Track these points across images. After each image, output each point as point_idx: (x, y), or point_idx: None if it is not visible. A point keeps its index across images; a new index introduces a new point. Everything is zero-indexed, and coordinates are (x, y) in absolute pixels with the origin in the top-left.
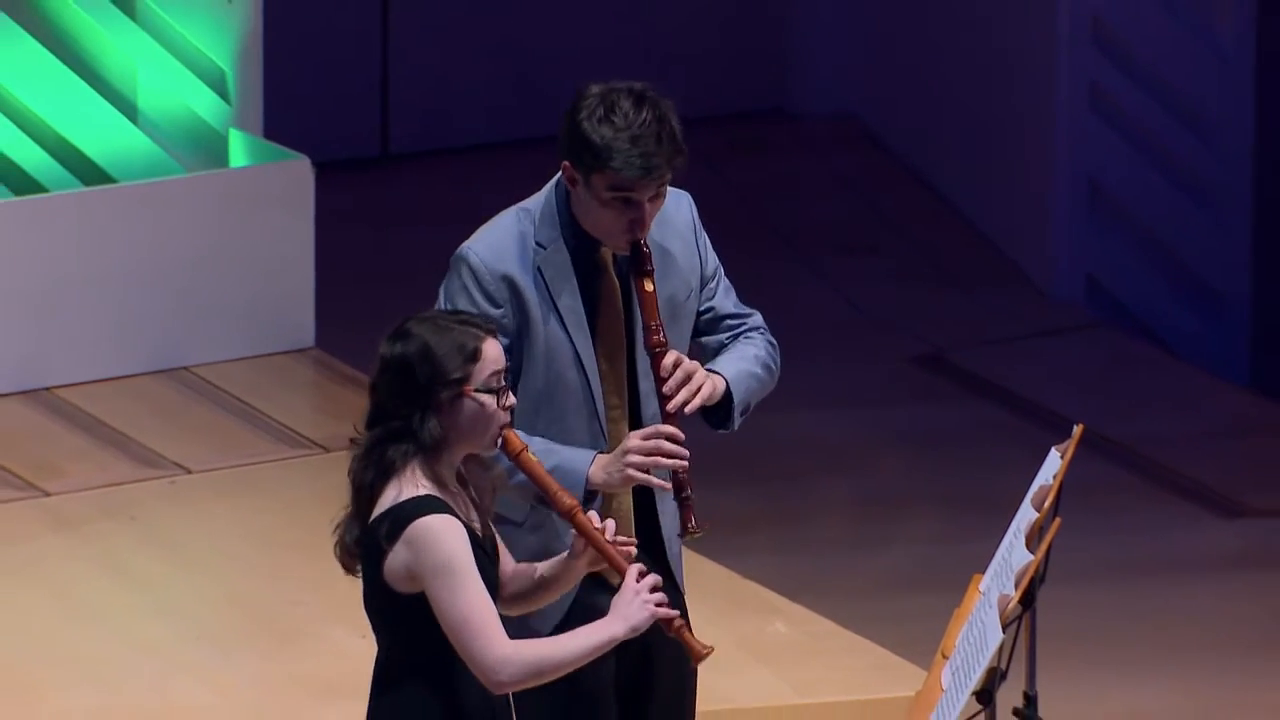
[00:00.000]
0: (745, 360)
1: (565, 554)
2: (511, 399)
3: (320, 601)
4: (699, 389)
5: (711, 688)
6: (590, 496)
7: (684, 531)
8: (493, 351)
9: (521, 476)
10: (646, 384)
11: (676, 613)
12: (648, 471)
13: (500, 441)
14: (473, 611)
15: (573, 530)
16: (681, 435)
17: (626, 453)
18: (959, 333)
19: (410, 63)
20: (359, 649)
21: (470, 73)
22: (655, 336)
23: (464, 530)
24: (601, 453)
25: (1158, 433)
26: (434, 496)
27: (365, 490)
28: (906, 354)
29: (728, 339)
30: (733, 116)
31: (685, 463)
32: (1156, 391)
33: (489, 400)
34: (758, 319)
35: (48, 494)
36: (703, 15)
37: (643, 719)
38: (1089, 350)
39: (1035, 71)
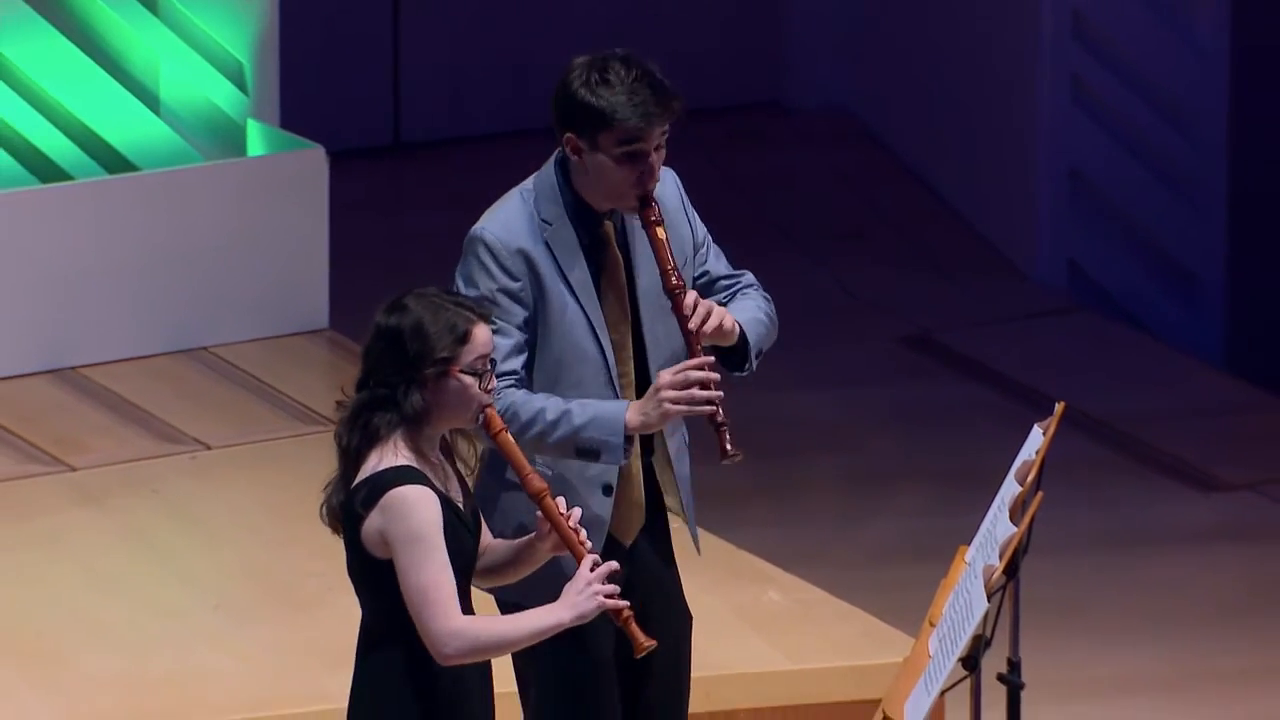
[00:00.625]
0: (750, 310)
1: (532, 535)
2: (495, 383)
3: (334, 572)
4: (720, 321)
5: (708, 654)
6: (628, 444)
7: (722, 455)
8: (482, 336)
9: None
10: (654, 346)
11: (625, 604)
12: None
13: (481, 420)
14: (432, 584)
15: (539, 512)
16: (712, 360)
17: (659, 390)
18: (947, 316)
19: (421, 55)
20: None
21: (479, 65)
22: (673, 279)
23: (438, 502)
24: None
25: (1136, 411)
26: (412, 467)
27: (350, 454)
28: (896, 336)
29: (724, 298)
30: (731, 110)
31: (719, 394)
32: (1135, 372)
33: (472, 382)
34: (750, 277)
35: (73, 469)
36: (703, 12)
37: (641, 687)
38: (1071, 332)
39: (1019, 66)
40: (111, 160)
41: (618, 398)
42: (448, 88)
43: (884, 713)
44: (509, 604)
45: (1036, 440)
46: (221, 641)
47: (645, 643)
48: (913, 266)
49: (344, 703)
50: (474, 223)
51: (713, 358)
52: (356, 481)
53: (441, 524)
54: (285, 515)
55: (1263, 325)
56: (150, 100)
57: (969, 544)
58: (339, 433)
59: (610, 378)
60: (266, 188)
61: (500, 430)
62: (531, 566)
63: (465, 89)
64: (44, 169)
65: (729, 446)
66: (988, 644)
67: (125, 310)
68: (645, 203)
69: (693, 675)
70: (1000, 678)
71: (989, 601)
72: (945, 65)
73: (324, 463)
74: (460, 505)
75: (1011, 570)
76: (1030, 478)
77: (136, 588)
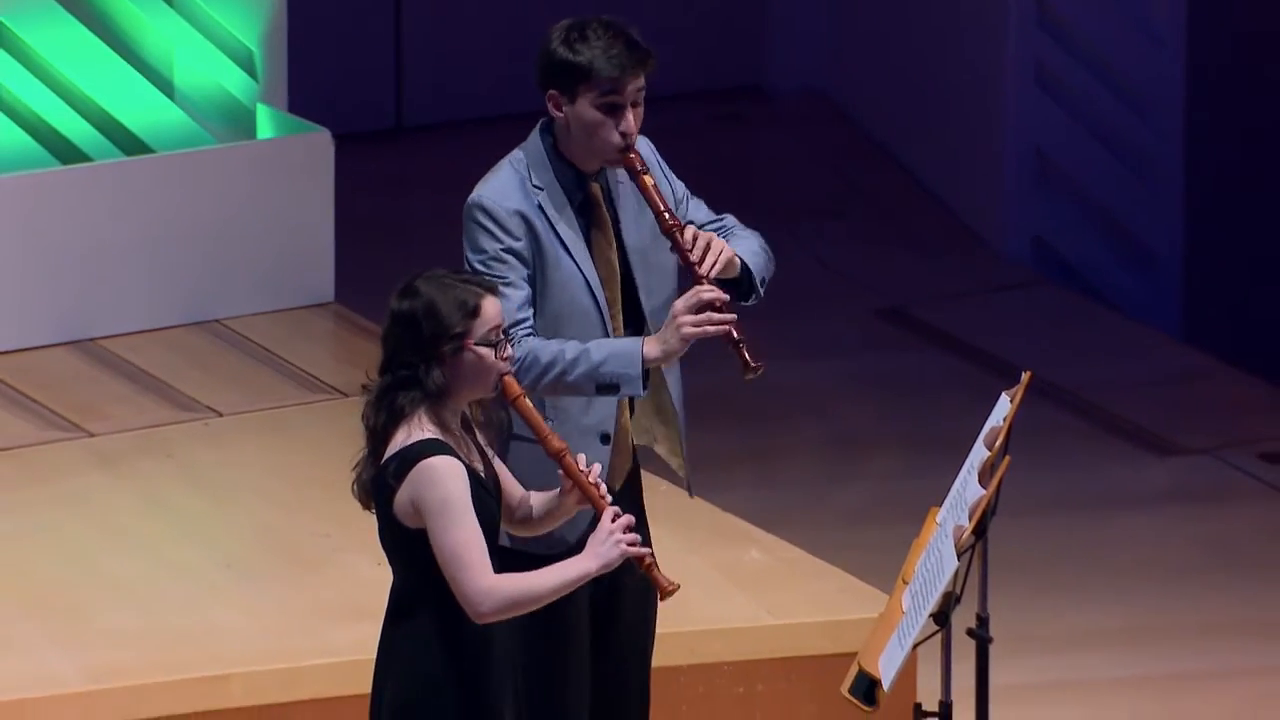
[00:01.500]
0: (747, 242)
1: (558, 490)
2: (510, 350)
3: (341, 533)
4: (720, 250)
5: (694, 610)
6: (646, 375)
7: (744, 369)
8: (492, 308)
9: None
10: (646, 296)
11: (648, 550)
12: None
13: (499, 388)
14: (464, 547)
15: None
16: (720, 291)
17: (676, 317)
18: (918, 289)
19: (421, 42)
20: (376, 576)
21: (476, 51)
22: (668, 220)
23: (464, 471)
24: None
25: (1098, 379)
26: (438, 440)
27: (378, 433)
28: (871, 308)
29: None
30: (713, 94)
31: (733, 315)
32: (1096, 342)
33: (487, 353)
34: (732, 219)
35: (92, 434)
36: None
37: (611, 640)
38: (1035, 305)
39: (987, 52)
40: (128, 143)
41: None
42: (447, 74)
43: (860, 665)
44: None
45: (1004, 407)
46: (232, 598)
47: (669, 586)
48: (887, 243)
49: (348, 656)
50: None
51: (717, 287)
52: (386, 457)
53: (469, 490)
54: (293, 479)
55: (1217, 298)
56: (165, 86)
57: (940, 505)
58: (366, 414)
59: (606, 331)
60: (275, 169)
61: (518, 395)
62: (563, 518)
63: (463, 75)
64: (64, 151)
65: (750, 360)
66: (958, 600)
67: (141, 285)
68: (627, 151)
69: (675, 630)
70: (969, 632)
71: (959, 560)
72: (919, 51)
73: (330, 429)
74: (482, 473)
75: (980, 530)
76: (998, 443)
77: (152, 547)
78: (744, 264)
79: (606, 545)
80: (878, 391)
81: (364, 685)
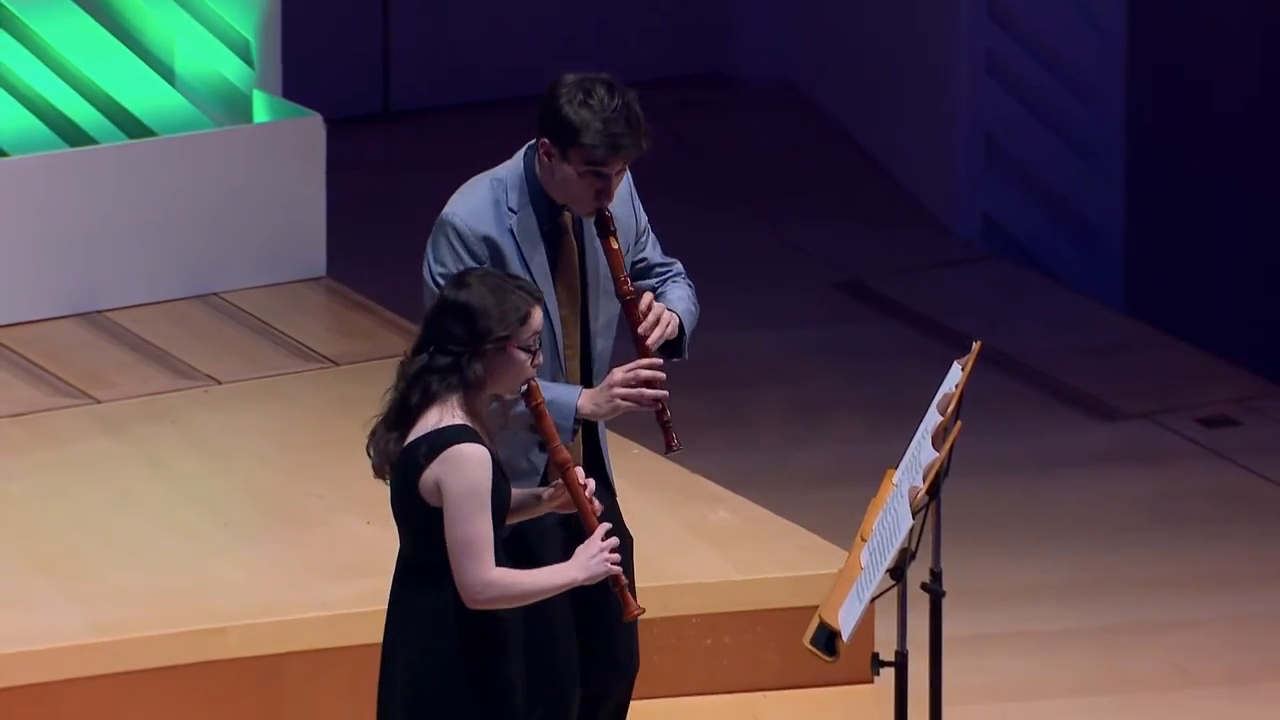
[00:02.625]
0: (684, 300)
1: (541, 489)
2: (540, 359)
3: (332, 494)
4: (667, 324)
5: (664, 566)
6: (577, 425)
7: (668, 448)
8: (537, 318)
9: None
10: (596, 326)
11: (620, 570)
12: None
13: (525, 390)
14: (476, 537)
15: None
16: (660, 363)
17: (612, 386)
18: (875, 264)
19: (408, 32)
20: (365, 534)
21: (459, 41)
22: (625, 286)
23: (491, 461)
24: (568, 383)
25: (1044, 348)
26: (470, 427)
27: (409, 410)
28: (831, 281)
29: (657, 283)
30: (682, 81)
31: (665, 394)
32: (1043, 313)
33: (525, 357)
34: (679, 267)
35: (98, 401)
36: None
37: (594, 597)
38: (985, 278)
39: (940, 42)
40: (132, 126)
41: (563, 366)
42: (432, 62)
43: (821, 618)
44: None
45: (956, 375)
46: (231, 556)
47: (635, 610)
48: (846, 220)
49: (339, 610)
50: (456, 183)
51: (660, 360)
52: (417, 435)
53: (491, 483)
54: (288, 443)
55: (1156, 271)
56: (166, 73)
57: (896, 467)
58: (400, 388)
59: (556, 348)
60: (270, 151)
61: (540, 402)
62: (529, 515)
63: (447, 64)
64: (72, 134)
65: (674, 441)
66: (913, 556)
67: (144, 260)
68: (600, 215)
69: (648, 585)
70: (924, 586)
71: (914, 519)
72: (877, 42)
73: (322, 396)
74: (500, 464)
75: (934, 491)
76: (950, 408)
77: (154, 508)
78: (680, 327)
79: (595, 560)
80: (837, 360)
81: (354, 638)
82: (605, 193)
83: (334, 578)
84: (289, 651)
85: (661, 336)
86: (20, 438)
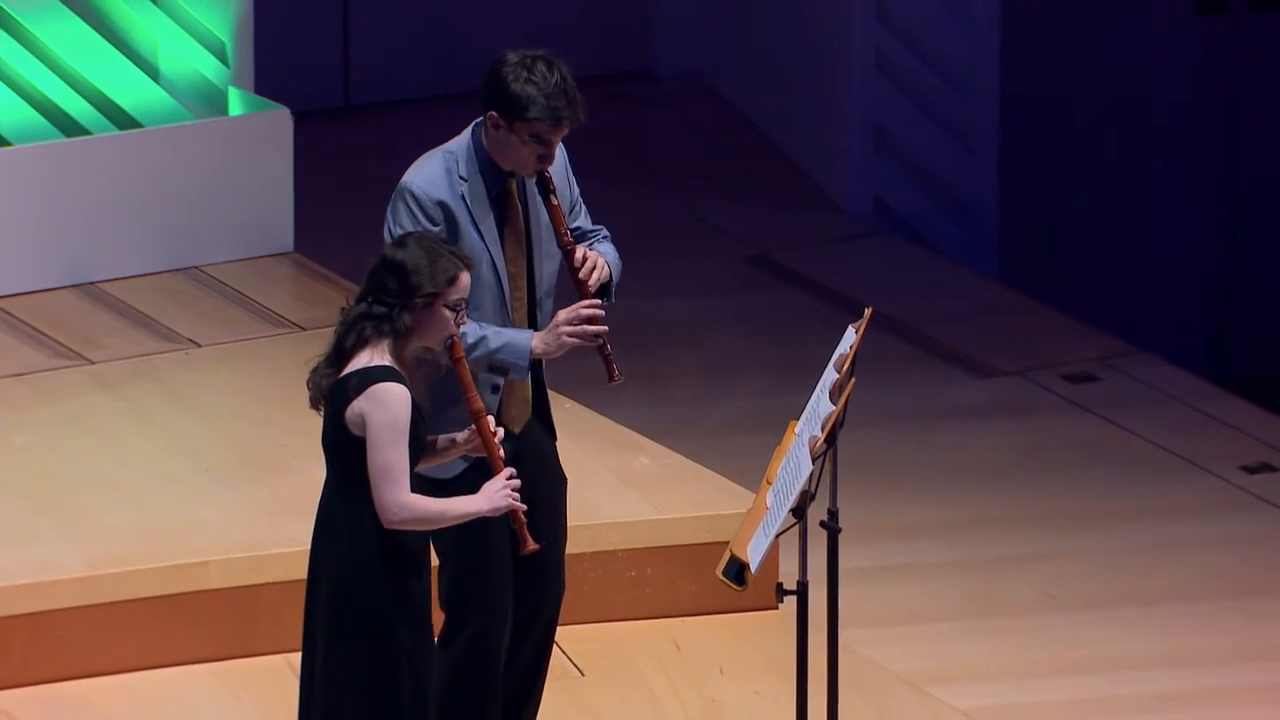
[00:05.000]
0: (611, 255)
1: (457, 434)
2: (464, 318)
3: (298, 443)
4: (602, 269)
5: (593, 508)
6: (531, 363)
7: (610, 379)
8: (464, 281)
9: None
10: (540, 279)
11: (523, 507)
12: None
13: (448, 345)
14: (394, 464)
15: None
16: (600, 303)
17: (559, 326)
18: (779, 239)
19: (366, 34)
20: None
21: (413, 43)
22: (566, 238)
23: (410, 400)
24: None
25: (928, 313)
26: (395, 369)
27: (344, 350)
28: (739, 255)
29: (588, 245)
30: (606, 77)
31: (605, 329)
32: (927, 282)
33: (449, 315)
34: (606, 231)
35: (92, 362)
36: None
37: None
38: (876, 252)
39: (834, 42)
40: (121, 119)
41: (509, 318)
42: (387, 61)
43: (731, 552)
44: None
45: (850, 337)
46: (210, 498)
47: (530, 545)
48: (752, 200)
49: (306, 545)
50: (407, 167)
51: (600, 300)
52: (349, 370)
53: (410, 418)
54: (260, 398)
55: (1026, 244)
56: (151, 71)
57: (798, 419)
58: (338, 331)
59: (504, 300)
60: (244, 141)
61: (460, 357)
62: (445, 459)
63: (400, 62)
64: (68, 126)
65: (614, 371)
66: (812, 497)
67: (133, 237)
68: (541, 177)
69: (579, 524)
70: (822, 524)
71: (813, 464)
72: (779, 42)
73: (290, 358)
74: (420, 403)
75: (831, 439)
76: (845, 367)
77: (142, 456)
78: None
79: (499, 495)
80: (746, 325)
81: None
82: (547, 157)
83: (301, 517)
84: (262, 583)
85: (599, 280)
86: (23, 395)
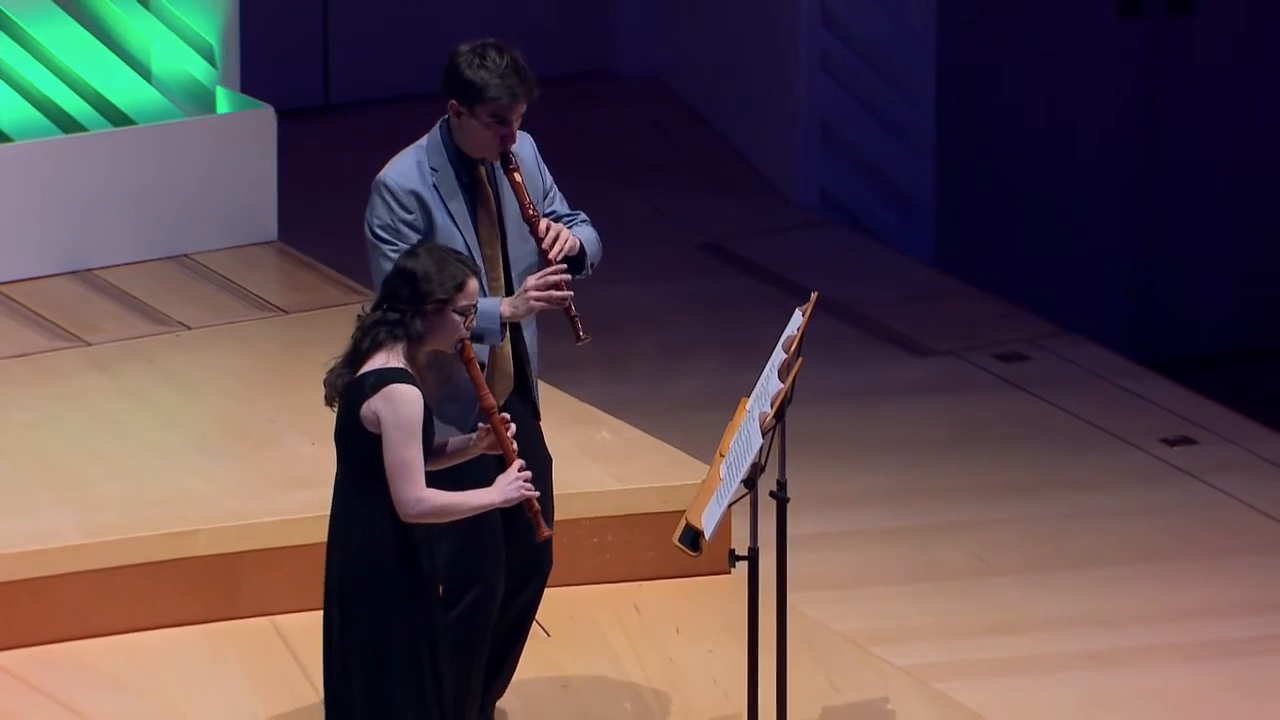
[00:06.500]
0: (586, 233)
1: (473, 435)
2: (474, 321)
3: (283, 419)
4: (567, 239)
5: (557, 479)
6: (503, 329)
7: (576, 339)
8: (472, 286)
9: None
10: (515, 258)
11: (537, 494)
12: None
13: (459, 348)
14: (410, 460)
15: (483, 425)
16: (565, 268)
17: (526, 290)
18: (731, 228)
19: (344, 37)
20: (310, 453)
21: (390, 44)
22: (530, 210)
23: (422, 401)
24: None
25: (869, 297)
26: (408, 371)
27: (360, 352)
28: (695, 243)
29: (567, 227)
30: (568, 78)
31: (570, 293)
32: (868, 268)
33: (459, 320)
34: (584, 215)
35: (88, 344)
36: None
37: (518, 512)
38: (822, 240)
39: (784, 44)
40: (116, 116)
41: (485, 294)
42: (365, 62)
43: (687, 520)
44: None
45: (797, 320)
46: (199, 471)
47: (544, 532)
48: (706, 191)
49: (288, 515)
50: (383, 161)
51: (564, 266)
52: (364, 371)
53: (423, 418)
54: (246, 378)
55: (960, 233)
56: (144, 72)
57: (749, 396)
58: (355, 335)
59: (482, 283)
60: (231, 137)
61: (472, 358)
62: (463, 459)
63: (377, 63)
64: (66, 123)
65: (580, 331)
66: (762, 469)
67: (128, 227)
68: (505, 156)
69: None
70: (772, 494)
71: (763, 438)
72: (733, 44)
73: (274, 340)
74: (430, 405)
75: (780, 415)
76: (793, 347)
77: (136, 432)
78: (581, 248)
79: (512, 487)
80: (700, 308)
81: (301, 538)
82: (508, 137)
83: (284, 489)
84: (248, 550)
85: (562, 249)
86: (24, 374)
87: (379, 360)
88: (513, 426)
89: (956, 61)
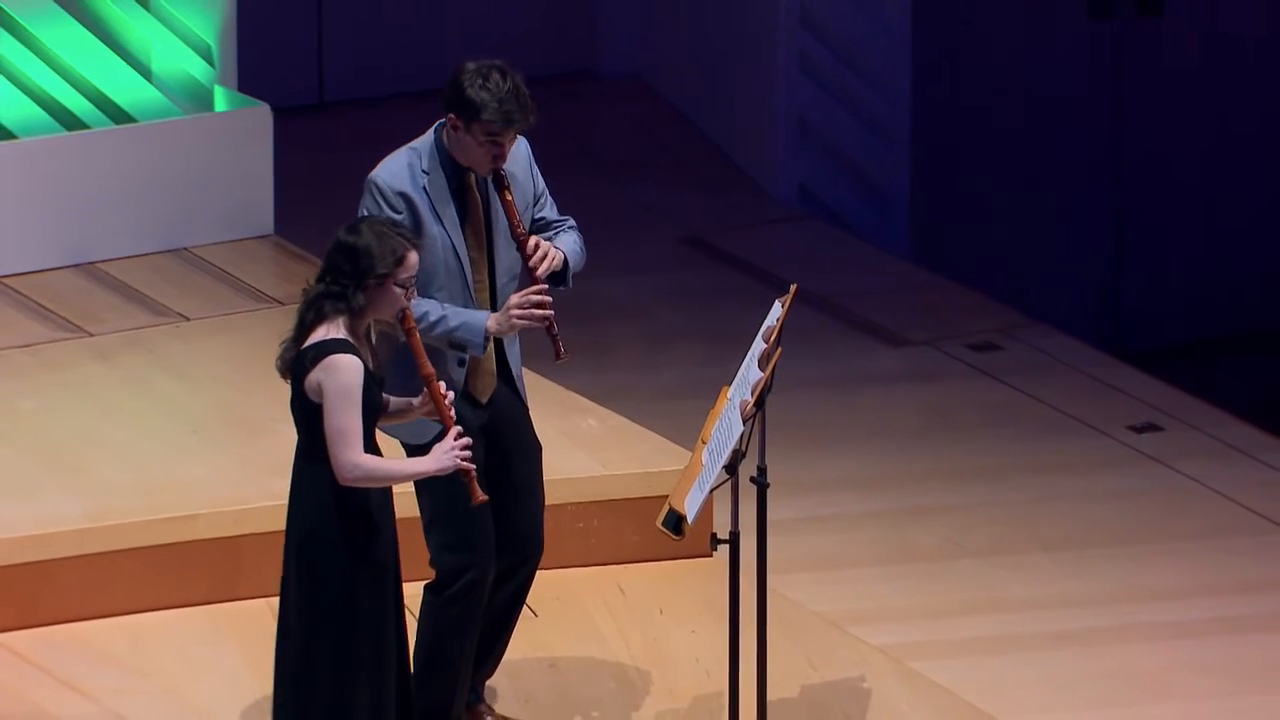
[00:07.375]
0: (571, 243)
1: (413, 399)
2: (414, 293)
3: (278, 406)
4: (553, 258)
5: (545, 465)
6: (486, 342)
7: (556, 357)
8: (412, 259)
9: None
10: (500, 265)
11: (472, 466)
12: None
13: (400, 318)
14: (347, 427)
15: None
16: (547, 288)
17: (510, 309)
18: (712, 222)
19: (338, 37)
20: None
21: (382, 43)
22: (519, 230)
23: (362, 369)
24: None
25: (846, 289)
26: (349, 341)
27: (304, 325)
28: (677, 237)
29: (553, 234)
30: (556, 78)
31: (551, 313)
32: (845, 261)
33: (400, 292)
34: (572, 222)
35: (91, 334)
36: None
37: (506, 490)
38: (801, 234)
39: (763, 44)
40: (117, 114)
41: (473, 300)
42: (358, 62)
43: (670, 505)
44: (410, 446)
45: (777, 311)
46: (198, 457)
47: (480, 497)
48: (688, 187)
49: (284, 500)
50: (376, 158)
51: (547, 286)
52: (307, 344)
53: (362, 385)
54: (244, 367)
55: (935, 228)
56: (144, 71)
57: (730, 385)
58: (300, 308)
59: (466, 284)
60: (228, 134)
61: (412, 328)
62: (406, 420)
63: (370, 62)
64: (69, 120)
65: (560, 350)
66: (743, 455)
67: (129, 221)
68: (498, 175)
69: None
70: (752, 479)
71: (744, 425)
72: (714, 45)
73: (271, 331)
74: (374, 370)
75: (760, 403)
76: (773, 338)
77: (136, 419)
78: (565, 262)
79: (447, 455)
80: (683, 300)
81: None
82: (500, 156)
83: (281, 474)
84: (245, 534)
85: (548, 268)
86: (28, 364)
87: (321, 332)
88: (450, 395)
89: (932, 58)
